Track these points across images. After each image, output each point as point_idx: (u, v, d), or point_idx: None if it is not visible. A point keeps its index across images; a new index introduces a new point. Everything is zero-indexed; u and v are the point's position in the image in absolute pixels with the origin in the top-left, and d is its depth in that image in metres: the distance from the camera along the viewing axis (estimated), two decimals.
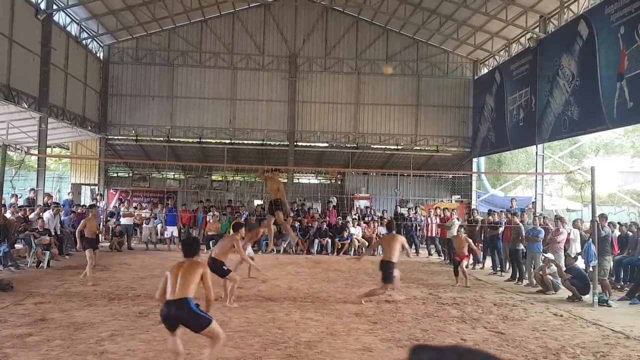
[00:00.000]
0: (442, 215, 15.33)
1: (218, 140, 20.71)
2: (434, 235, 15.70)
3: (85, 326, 6.10)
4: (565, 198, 25.60)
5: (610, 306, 8.42)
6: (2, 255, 9.64)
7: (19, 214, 11.66)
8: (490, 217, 12.89)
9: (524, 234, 10.91)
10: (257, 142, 21.00)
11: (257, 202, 22.00)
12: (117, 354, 5.12)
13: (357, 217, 17.06)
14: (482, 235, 13.21)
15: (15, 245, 11.18)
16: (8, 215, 11.01)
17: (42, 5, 14.67)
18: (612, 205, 21.31)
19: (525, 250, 10.88)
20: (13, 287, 8.26)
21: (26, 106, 13.56)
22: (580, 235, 11.06)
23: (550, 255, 9.68)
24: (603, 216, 9.96)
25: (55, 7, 15.29)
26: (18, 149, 15.95)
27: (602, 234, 9.38)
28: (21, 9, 13.63)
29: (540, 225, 10.88)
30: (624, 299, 9.06)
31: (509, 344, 5.93)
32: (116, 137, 20.59)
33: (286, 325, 6.47)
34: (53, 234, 11.81)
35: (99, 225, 15.96)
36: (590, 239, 9.37)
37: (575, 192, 29.15)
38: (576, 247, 10.81)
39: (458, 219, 14.56)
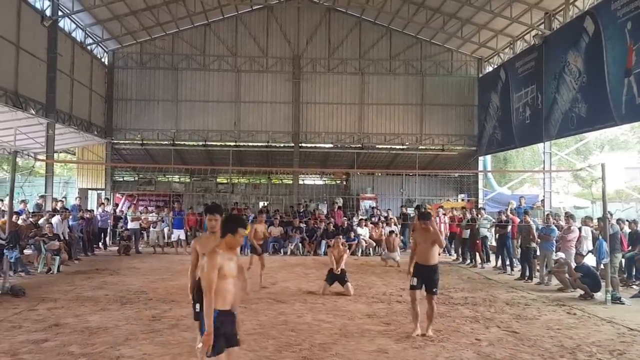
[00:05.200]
0: (452, 214, 15.27)
1: (223, 143, 20.75)
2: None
3: (99, 331, 6.11)
4: (572, 195, 25.49)
5: (623, 303, 8.37)
6: (14, 262, 9.68)
7: (30, 219, 11.72)
8: (502, 216, 12.78)
9: (534, 232, 10.83)
10: (261, 144, 21.02)
11: (262, 203, 22.03)
12: (133, 357, 5.13)
13: (364, 218, 17.01)
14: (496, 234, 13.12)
15: (24, 251, 11.24)
16: (19, 221, 11.05)
17: (48, 12, 14.77)
18: (620, 202, 21.18)
19: (536, 249, 10.80)
20: (25, 292, 8.30)
21: (34, 112, 13.63)
22: (592, 232, 10.98)
23: (561, 254, 9.63)
24: (609, 214, 9.85)
25: (60, 13, 15.37)
26: (26, 154, 16.03)
27: (610, 232, 9.31)
28: (27, 16, 13.72)
29: (553, 223, 10.80)
30: (636, 296, 9.01)
31: (524, 344, 5.90)
32: (122, 142, 20.67)
33: (299, 328, 6.46)
34: (62, 239, 11.85)
35: (107, 229, 16.13)
36: (601, 237, 9.34)
37: (583, 189, 29.07)
38: (587, 245, 10.73)
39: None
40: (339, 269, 8.98)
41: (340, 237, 10.15)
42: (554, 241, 10.40)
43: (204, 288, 3.61)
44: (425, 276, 6.17)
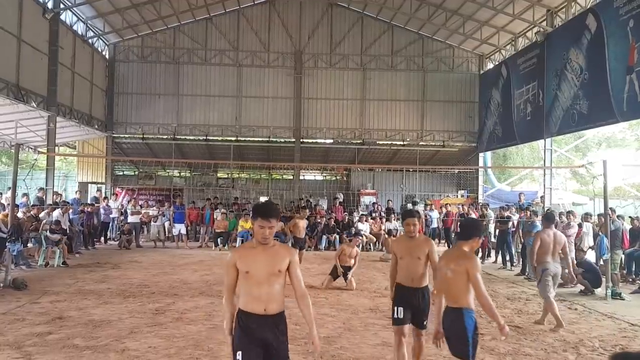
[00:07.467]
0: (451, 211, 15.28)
1: (224, 138, 20.73)
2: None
3: (103, 324, 6.13)
4: (570, 192, 25.55)
5: (623, 299, 8.43)
6: (15, 255, 9.67)
7: (31, 212, 11.72)
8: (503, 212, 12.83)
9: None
10: (262, 139, 21.02)
11: (262, 198, 22.04)
12: (138, 350, 5.15)
13: (364, 214, 17.05)
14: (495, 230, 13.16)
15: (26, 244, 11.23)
16: (20, 214, 11.04)
17: (50, 4, 14.69)
18: (618, 199, 21.24)
19: None
20: (27, 285, 8.31)
21: (35, 105, 13.59)
22: (593, 229, 11.03)
23: None
24: (611, 210, 9.94)
25: (62, 6, 15.30)
26: (28, 147, 15.99)
27: (612, 228, 9.36)
28: (29, 9, 13.65)
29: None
30: (636, 292, 9.07)
31: (527, 338, 5.95)
32: (123, 136, 20.64)
33: (302, 321, 6.36)
34: (66, 233, 11.85)
35: (109, 224, 16.14)
36: (602, 233, 9.37)
37: (581, 186, 29.13)
38: (589, 241, 10.79)
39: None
40: (352, 263, 9.06)
41: (359, 237, 10.12)
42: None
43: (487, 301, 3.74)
44: (413, 303, 4.32)
